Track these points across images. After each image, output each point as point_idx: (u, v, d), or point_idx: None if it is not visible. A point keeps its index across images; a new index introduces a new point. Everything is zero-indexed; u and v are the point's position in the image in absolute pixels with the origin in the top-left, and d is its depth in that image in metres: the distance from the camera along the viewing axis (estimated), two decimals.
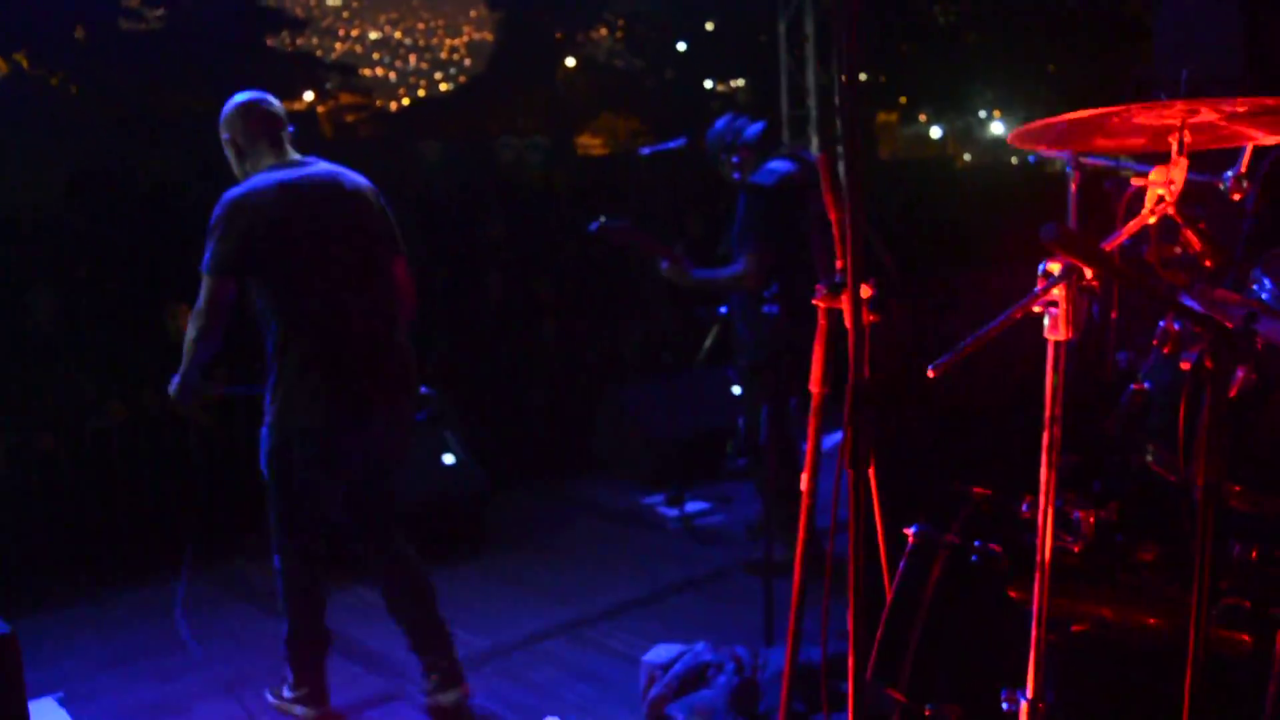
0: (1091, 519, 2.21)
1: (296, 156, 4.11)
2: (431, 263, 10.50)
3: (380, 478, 4.20)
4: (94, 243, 12.13)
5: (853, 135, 1.82)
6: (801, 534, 2.27)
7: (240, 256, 3.88)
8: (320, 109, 50.48)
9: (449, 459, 6.30)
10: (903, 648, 2.28)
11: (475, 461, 6.40)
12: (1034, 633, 1.88)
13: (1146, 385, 2.24)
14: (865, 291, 2.30)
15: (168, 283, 9.23)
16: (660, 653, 3.96)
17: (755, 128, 5.29)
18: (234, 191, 3.95)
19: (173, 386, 4.07)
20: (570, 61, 44.61)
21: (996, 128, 38.58)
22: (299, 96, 46.25)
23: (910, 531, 2.34)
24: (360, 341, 4.00)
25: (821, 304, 2.31)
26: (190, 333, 3.96)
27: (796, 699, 3.61)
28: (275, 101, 4.18)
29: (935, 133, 45.19)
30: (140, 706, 4.61)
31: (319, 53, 73.94)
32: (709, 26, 37.70)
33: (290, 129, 4.14)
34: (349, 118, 54.18)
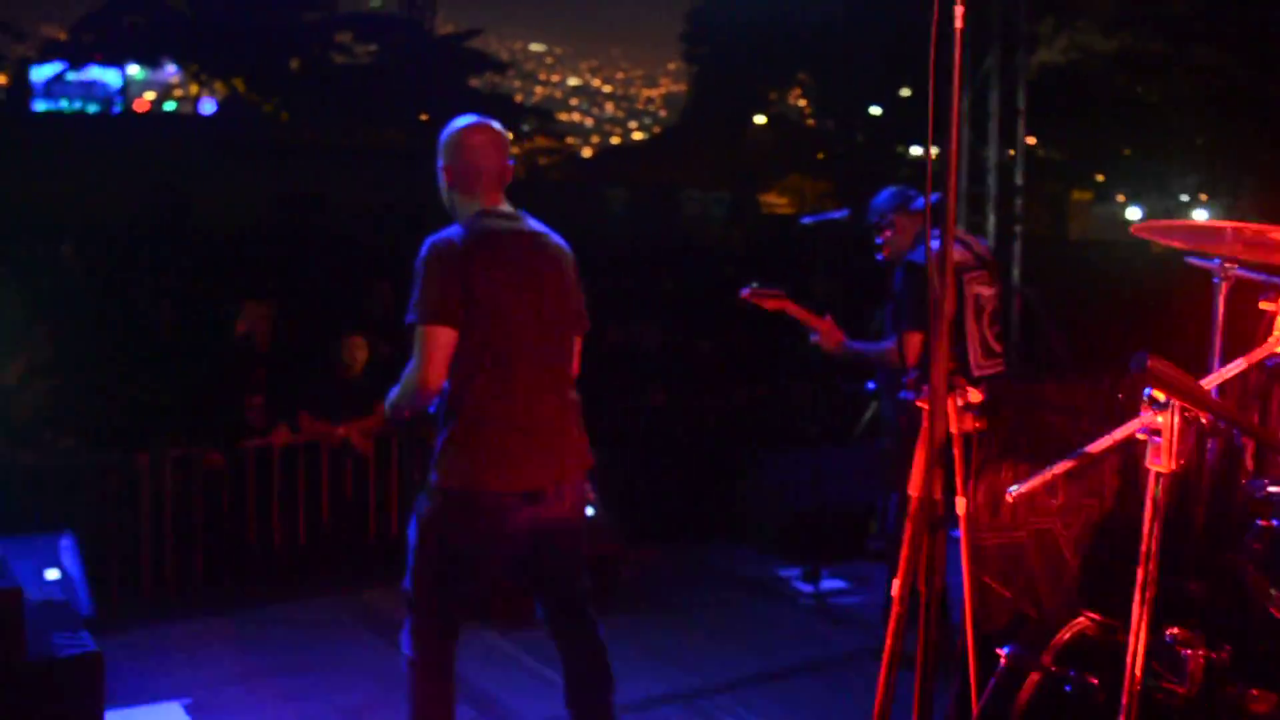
0: (1201, 660, 2.07)
1: (508, 208, 3.84)
2: (598, 308, 10.66)
3: (558, 552, 3.92)
4: (285, 268, 12.64)
5: (948, 231, 1.77)
6: (889, 641, 2.18)
7: (454, 303, 3.59)
8: (515, 150, 51.82)
9: (587, 511, 6.30)
10: None
11: (611, 516, 6.41)
12: None
13: (1275, 522, 2.11)
14: (975, 397, 2.23)
15: (348, 314, 9.55)
16: None
17: (917, 204, 5.18)
18: (441, 237, 3.71)
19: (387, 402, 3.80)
20: (761, 119, 44.80)
21: (1200, 214, 37.28)
22: None
23: (1002, 651, 2.24)
24: (536, 410, 3.74)
25: (925, 405, 2.24)
26: (400, 390, 3.70)
27: None
28: (502, 131, 3.88)
29: (1134, 214, 43.85)
30: None
31: (519, 96, 76.01)
32: (905, 92, 37.50)
33: (510, 161, 3.85)
34: (542, 160, 55.53)
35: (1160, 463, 1.69)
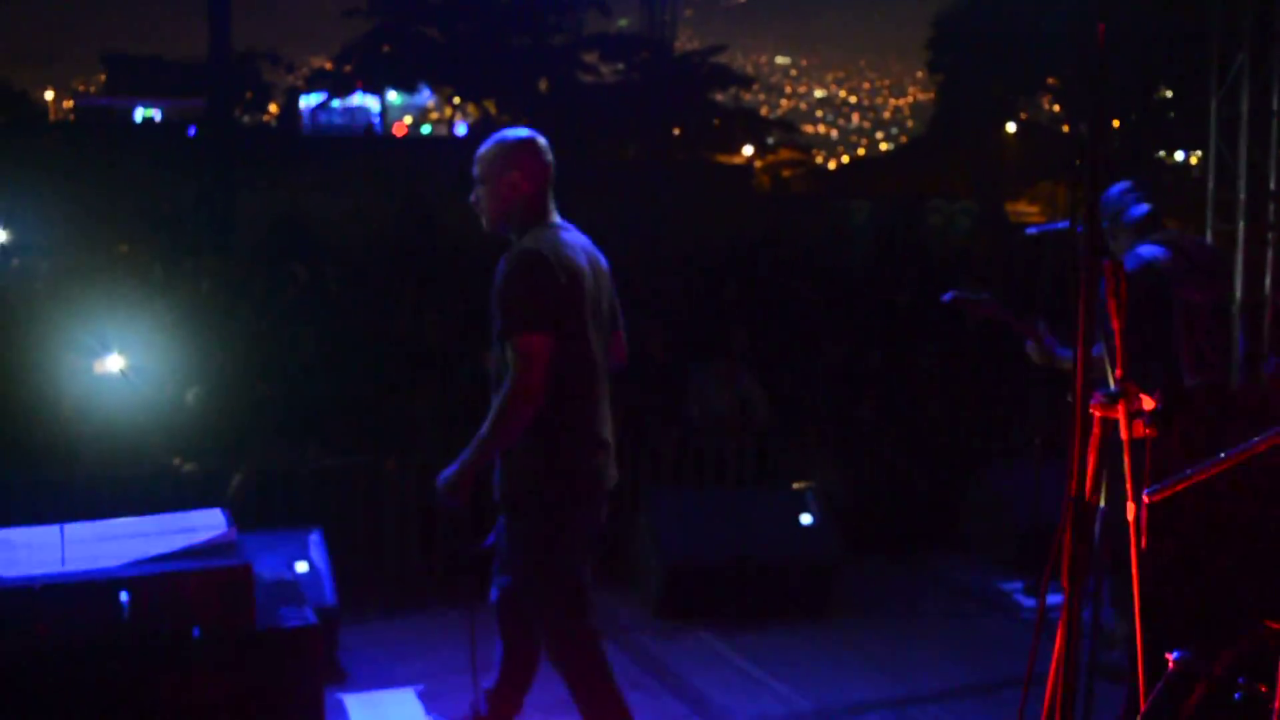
0: None
1: (559, 218, 3.95)
2: (828, 318, 10.68)
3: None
4: None
5: (1094, 235, 1.81)
6: (1033, 652, 2.21)
7: (551, 309, 3.69)
8: (758, 163, 52.03)
9: (806, 519, 6.39)
10: None
11: (833, 523, 6.46)
12: None
13: None
14: (1147, 404, 2.24)
15: None
16: None
17: (1138, 210, 5.04)
18: (526, 249, 3.77)
19: (446, 475, 3.81)
20: (1011, 126, 43.60)
21: None
22: (739, 150, 47.89)
23: (1171, 657, 2.23)
24: (606, 414, 3.91)
25: (1097, 412, 2.25)
26: (504, 406, 3.69)
27: None
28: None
29: None
30: None
31: (764, 109, 76.23)
32: (1168, 94, 35.91)
33: None
34: (785, 173, 55.47)
35: None
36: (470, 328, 9.26)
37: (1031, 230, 6.27)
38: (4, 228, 16.50)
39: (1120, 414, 2.21)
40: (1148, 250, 4.86)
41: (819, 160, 72.13)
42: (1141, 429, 2.20)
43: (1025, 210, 44.34)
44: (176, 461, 6.43)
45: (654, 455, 7.71)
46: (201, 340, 8.55)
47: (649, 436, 7.69)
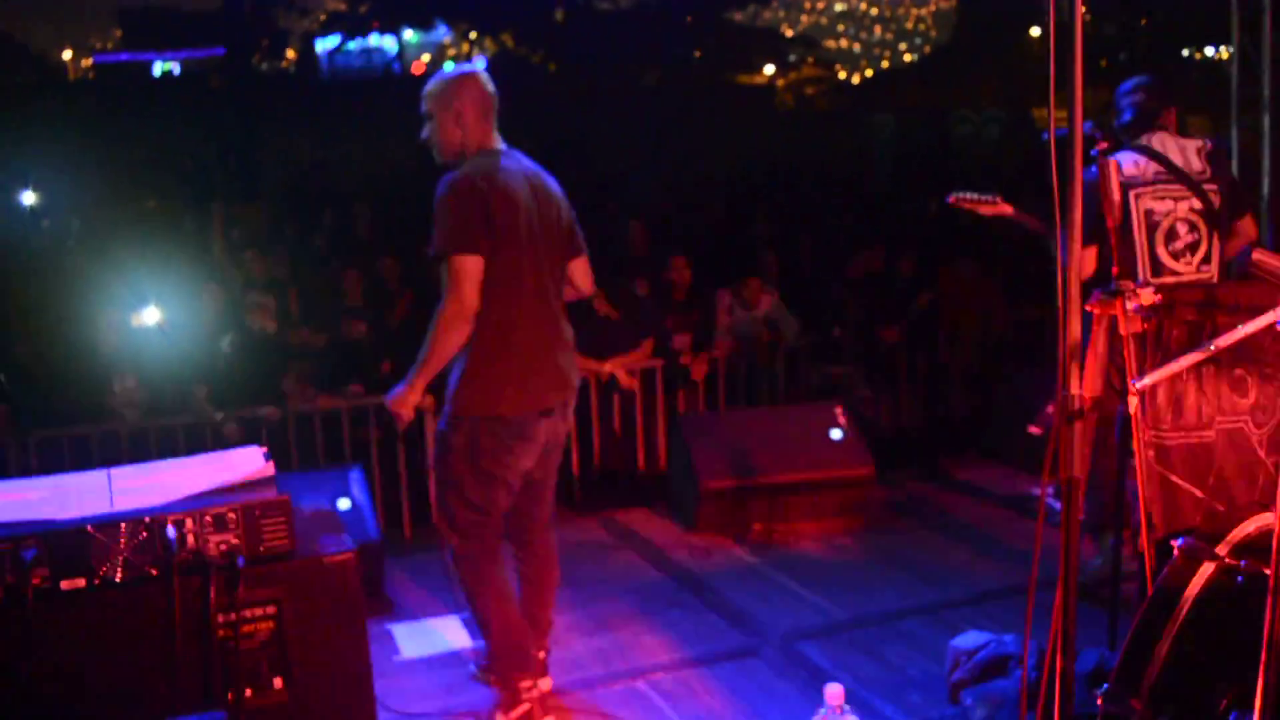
0: None
1: (504, 145, 4.08)
2: (853, 234, 10.68)
3: (550, 466, 4.25)
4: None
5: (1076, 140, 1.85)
6: (1036, 550, 2.28)
7: (480, 231, 3.82)
8: (780, 82, 51.51)
9: (837, 434, 6.47)
10: (1149, 658, 2.24)
11: (863, 438, 6.53)
12: (1264, 657, 1.84)
13: None
14: (1147, 299, 2.29)
15: (604, 265, 9.89)
16: (969, 639, 4.00)
17: (1125, 117, 4.98)
18: (460, 174, 3.91)
19: (395, 392, 3.98)
20: (1035, 30, 42.90)
21: None
22: (759, 70, 47.43)
23: (1176, 544, 2.30)
24: (544, 334, 4.04)
25: (1097, 310, 2.31)
26: (437, 325, 3.86)
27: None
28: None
29: None
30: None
31: (784, 26, 75.26)
32: None
33: None
34: (809, 90, 54.91)
35: None
36: None
37: (1046, 136, 6.26)
38: (33, 190, 16.64)
39: (1119, 309, 2.27)
40: (1114, 156, 4.78)
41: (842, 75, 71.16)
42: (1140, 324, 2.25)
43: (1056, 115, 43.77)
44: (219, 416, 6.56)
45: (686, 379, 7.80)
46: (234, 288, 8.68)
47: (680, 361, 7.77)
